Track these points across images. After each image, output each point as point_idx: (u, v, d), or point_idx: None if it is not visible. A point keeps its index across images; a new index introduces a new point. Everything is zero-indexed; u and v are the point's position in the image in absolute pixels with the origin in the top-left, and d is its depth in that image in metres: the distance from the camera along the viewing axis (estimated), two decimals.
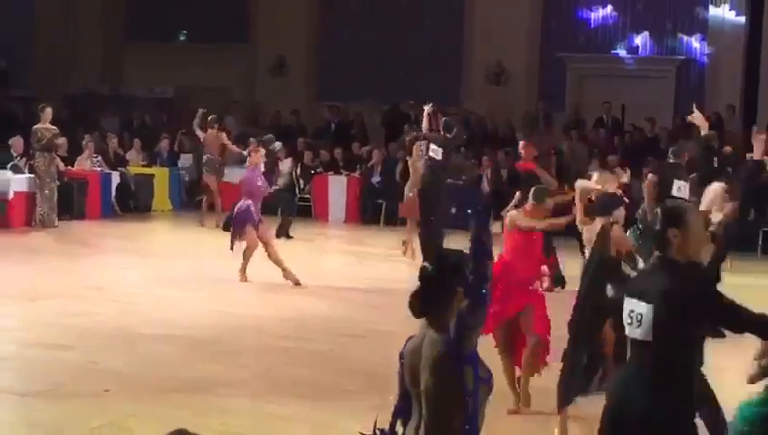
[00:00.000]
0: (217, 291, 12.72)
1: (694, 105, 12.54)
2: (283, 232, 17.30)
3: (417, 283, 4.06)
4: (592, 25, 23.49)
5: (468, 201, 17.51)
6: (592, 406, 7.45)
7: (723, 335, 6.23)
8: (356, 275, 14.39)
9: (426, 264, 4.07)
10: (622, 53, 23.30)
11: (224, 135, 19.33)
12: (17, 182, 17.98)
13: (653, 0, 22.96)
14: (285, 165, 18.94)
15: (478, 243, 4.00)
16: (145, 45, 26.25)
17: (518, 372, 8.10)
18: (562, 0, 23.75)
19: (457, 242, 7.24)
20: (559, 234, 10.29)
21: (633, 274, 6.84)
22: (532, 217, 8.27)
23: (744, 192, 14.28)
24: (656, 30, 23.03)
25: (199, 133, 19.42)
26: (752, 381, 5.66)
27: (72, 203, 19.05)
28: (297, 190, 21.07)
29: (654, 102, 22.12)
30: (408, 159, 16.73)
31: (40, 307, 11.43)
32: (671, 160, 13.50)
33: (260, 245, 13.14)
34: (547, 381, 7.69)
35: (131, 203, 20.82)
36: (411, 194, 15.93)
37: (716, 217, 8.77)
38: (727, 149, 15.68)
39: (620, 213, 7.55)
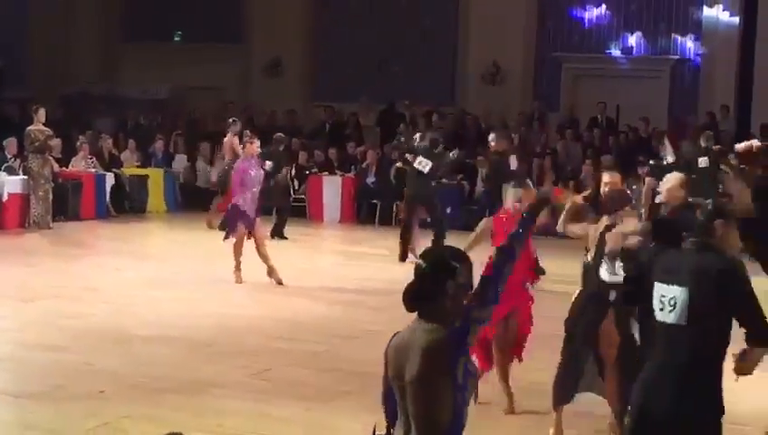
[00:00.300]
0: (212, 292, 12.72)
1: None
2: (277, 232, 17.31)
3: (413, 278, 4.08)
4: (587, 26, 23.52)
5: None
6: (589, 404, 7.49)
7: None
8: (351, 275, 14.40)
9: (420, 260, 4.08)
10: (617, 53, 23.33)
11: (236, 140, 19.11)
12: (11, 184, 17.96)
13: (647, 0, 23.00)
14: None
15: (510, 242, 4.07)
16: (140, 46, 26.23)
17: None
18: (558, 0, 23.78)
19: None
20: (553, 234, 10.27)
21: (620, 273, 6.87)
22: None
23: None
24: (650, 30, 23.07)
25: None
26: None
27: (66, 204, 19.04)
28: (292, 191, 21.09)
29: (648, 103, 22.15)
30: (399, 164, 16.79)
31: (35, 308, 11.43)
32: (670, 162, 13.54)
33: (249, 241, 13.13)
34: (546, 378, 7.69)
35: (126, 204, 20.79)
36: None
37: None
38: (718, 147, 15.74)
39: (628, 211, 7.48)
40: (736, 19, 21.88)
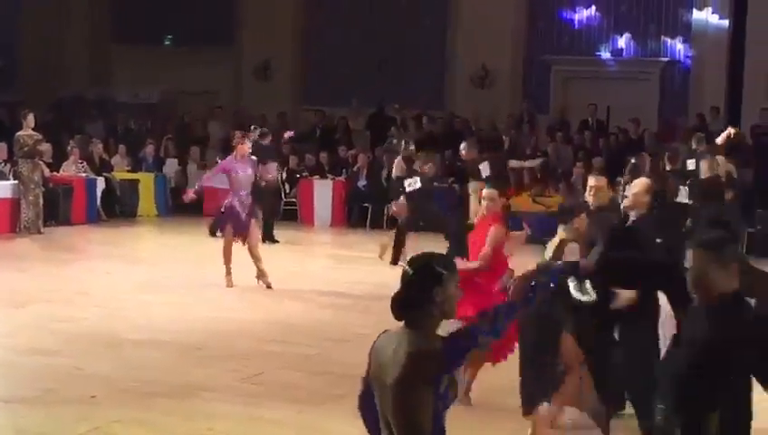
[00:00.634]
0: (203, 296, 12.71)
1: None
2: (268, 236, 17.29)
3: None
4: (576, 28, 23.56)
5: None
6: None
7: None
8: (342, 278, 14.40)
9: (407, 267, 4.07)
10: (606, 55, 23.37)
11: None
12: (1, 189, 17.96)
13: (637, 3, 23.05)
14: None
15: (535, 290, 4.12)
16: (131, 50, 26.18)
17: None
18: (547, 3, 23.81)
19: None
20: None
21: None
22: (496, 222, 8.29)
23: None
24: (640, 32, 23.11)
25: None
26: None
27: (57, 209, 19.02)
28: (283, 194, 21.10)
29: (638, 104, 22.20)
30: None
31: (26, 313, 11.42)
32: (668, 168, 13.55)
33: (238, 244, 13.12)
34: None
35: (117, 208, 20.78)
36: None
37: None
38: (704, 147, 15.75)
39: (582, 221, 7.44)
40: (726, 22, 21.94)
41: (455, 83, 24.23)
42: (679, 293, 4.54)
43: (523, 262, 7.68)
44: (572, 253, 7.06)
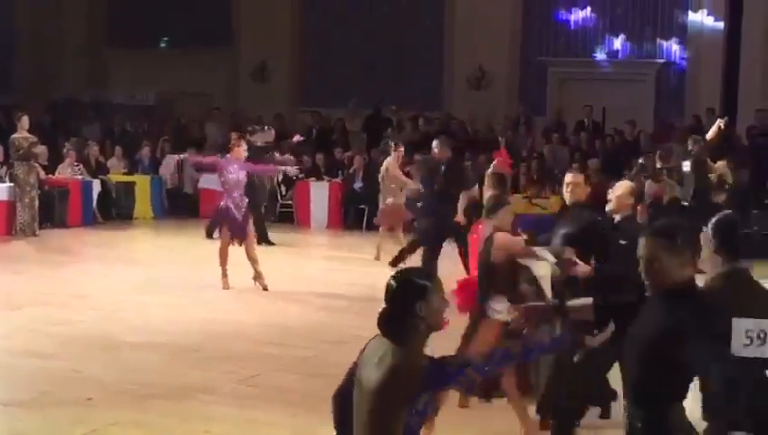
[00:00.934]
0: (200, 298, 12.71)
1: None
2: (264, 238, 17.26)
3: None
4: (572, 29, 23.58)
5: None
6: None
7: None
8: (339, 280, 14.39)
9: (391, 281, 4.03)
10: (602, 56, 23.40)
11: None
12: None
13: (632, 4, 23.07)
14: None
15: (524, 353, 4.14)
16: (127, 52, 26.21)
17: None
18: (543, 4, 23.84)
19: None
20: None
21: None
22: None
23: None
24: (635, 34, 23.14)
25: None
26: None
27: (53, 211, 19.01)
28: (279, 196, 21.11)
29: (634, 106, 22.23)
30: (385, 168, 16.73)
31: (22, 316, 11.41)
32: (658, 166, 13.56)
33: (234, 246, 13.12)
34: None
35: (113, 211, 20.76)
36: (391, 201, 16.12)
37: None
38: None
39: (505, 215, 7.52)
40: (721, 24, 21.96)
41: (451, 85, 24.24)
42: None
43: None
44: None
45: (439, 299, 3.98)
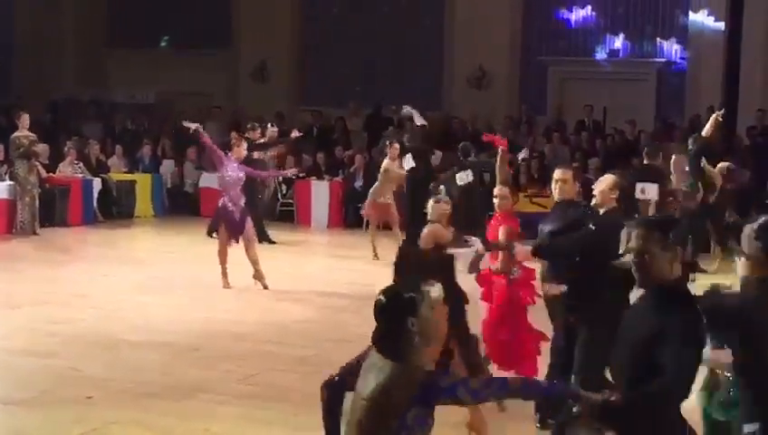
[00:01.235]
0: (200, 297, 12.71)
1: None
2: (264, 237, 17.25)
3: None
4: (573, 29, 23.58)
5: None
6: None
7: None
8: (339, 279, 14.39)
9: (381, 296, 4.01)
10: (603, 56, 23.40)
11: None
12: None
13: (633, 4, 23.07)
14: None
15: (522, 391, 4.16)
16: (127, 51, 26.21)
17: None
18: (543, 4, 23.84)
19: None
20: None
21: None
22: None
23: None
24: (636, 33, 23.15)
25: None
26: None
27: (53, 210, 19.00)
28: (279, 195, 21.10)
29: (635, 105, 22.23)
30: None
31: (22, 315, 11.41)
32: (644, 162, 13.53)
33: (233, 246, 13.12)
34: None
35: (114, 209, 20.75)
36: (382, 200, 16.23)
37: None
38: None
39: (441, 208, 7.84)
40: (721, 24, 21.95)
41: (452, 84, 24.24)
42: None
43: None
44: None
45: (430, 309, 3.94)
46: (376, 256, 15.87)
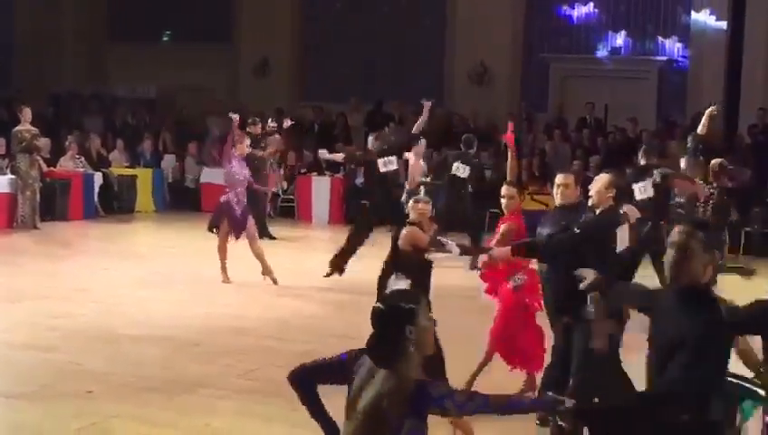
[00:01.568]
0: (200, 292, 12.72)
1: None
2: (265, 233, 17.25)
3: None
4: (575, 26, 23.57)
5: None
6: None
7: None
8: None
9: (378, 304, 4.02)
10: (604, 54, 23.39)
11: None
12: None
13: (635, 1, 23.06)
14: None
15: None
16: (129, 46, 26.22)
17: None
18: (545, 1, 23.83)
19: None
20: None
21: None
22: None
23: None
24: (638, 31, 23.14)
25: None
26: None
27: (54, 204, 19.01)
28: (280, 191, 21.10)
29: (636, 103, 22.22)
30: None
31: (23, 309, 11.42)
32: (642, 162, 13.49)
33: (232, 243, 13.13)
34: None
35: (114, 204, 20.76)
36: None
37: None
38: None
39: (419, 208, 7.81)
40: (723, 23, 21.95)
41: (453, 81, 24.24)
42: None
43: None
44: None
45: (426, 319, 3.98)
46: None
